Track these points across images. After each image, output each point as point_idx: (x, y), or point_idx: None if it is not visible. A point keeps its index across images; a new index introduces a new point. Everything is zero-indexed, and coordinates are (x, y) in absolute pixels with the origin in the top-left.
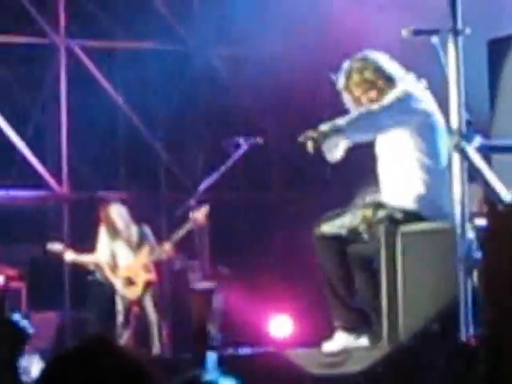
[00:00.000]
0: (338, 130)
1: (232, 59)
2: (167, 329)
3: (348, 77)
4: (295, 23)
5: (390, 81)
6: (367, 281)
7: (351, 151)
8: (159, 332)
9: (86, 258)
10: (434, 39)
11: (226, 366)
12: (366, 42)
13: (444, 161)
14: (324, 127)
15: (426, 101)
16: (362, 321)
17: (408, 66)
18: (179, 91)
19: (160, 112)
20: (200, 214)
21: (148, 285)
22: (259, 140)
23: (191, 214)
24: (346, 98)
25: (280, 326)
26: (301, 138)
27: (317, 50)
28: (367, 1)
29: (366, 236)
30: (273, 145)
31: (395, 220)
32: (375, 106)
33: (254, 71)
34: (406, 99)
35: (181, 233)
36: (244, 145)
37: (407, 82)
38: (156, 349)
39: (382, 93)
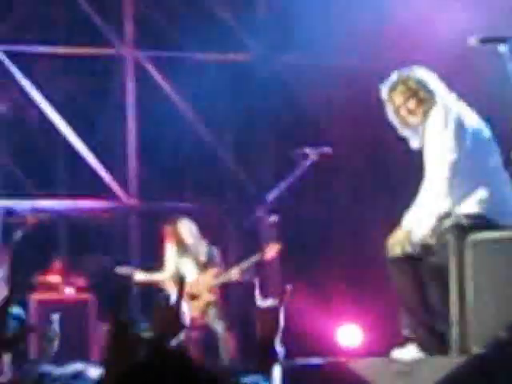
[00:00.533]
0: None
1: (298, 67)
2: (234, 342)
3: (392, 87)
4: (361, 29)
5: (430, 94)
6: (438, 290)
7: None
8: (226, 346)
9: (154, 277)
10: (502, 48)
11: (294, 378)
12: (434, 49)
13: (497, 161)
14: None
15: (469, 115)
16: (434, 335)
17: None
18: (246, 101)
19: (227, 122)
20: (271, 251)
21: (208, 305)
22: (327, 150)
23: (263, 249)
24: (388, 109)
25: (348, 335)
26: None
27: (384, 58)
28: (437, 6)
29: (435, 247)
30: (340, 155)
31: (463, 227)
32: (441, 166)
33: (320, 79)
34: (457, 129)
35: (249, 263)
36: (312, 155)
37: (447, 101)
38: (223, 362)
39: (420, 104)
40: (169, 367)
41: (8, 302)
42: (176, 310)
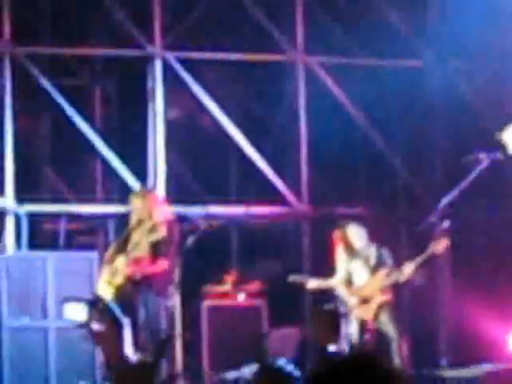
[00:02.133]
0: None
1: (470, 74)
2: (407, 345)
3: None
4: None
5: None
6: None
7: None
8: (399, 347)
9: (326, 284)
10: None
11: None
12: None
13: None
14: None
15: None
16: None
17: None
18: (417, 106)
19: (398, 127)
20: (440, 246)
21: (382, 306)
22: (500, 155)
23: (431, 245)
24: None
25: None
26: None
27: None
28: None
29: None
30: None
31: None
32: None
33: (493, 85)
34: None
35: (420, 259)
36: (485, 160)
37: None
38: (397, 365)
39: None
40: (365, 368)
41: (166, 341)
42: (335, 316)
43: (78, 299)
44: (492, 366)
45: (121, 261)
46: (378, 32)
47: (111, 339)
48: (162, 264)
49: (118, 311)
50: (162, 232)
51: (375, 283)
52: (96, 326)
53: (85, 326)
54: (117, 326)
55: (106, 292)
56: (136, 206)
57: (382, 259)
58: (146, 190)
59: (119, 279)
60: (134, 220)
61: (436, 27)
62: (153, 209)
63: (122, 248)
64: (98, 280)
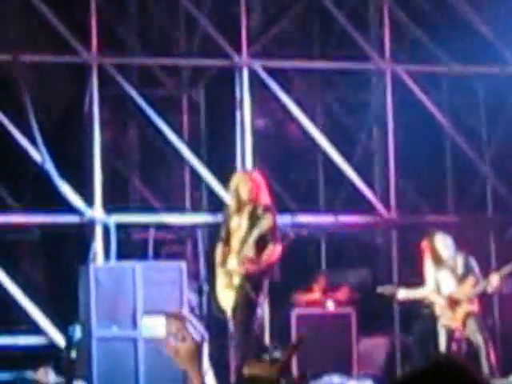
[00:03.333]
0: None
1: None
2: (496, 354)
3: None
4: None
5: None
6: None
7: None
8: (487, 356)
9: (416, 294)
10: None
11: None
12: None
13: None
14: None
15: None
16: None
17: None
18: (506, 113)
19: (487, 135)
20: None
21: (468, 315)
22: None
23: None
24: None
25: None
26: None
27: None
28: None
29: None
30: None
31: None
32: None
33: None
34: None
35: (507, 269)
36: None
37: None
38: (485, 374)
39: None
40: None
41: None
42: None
43: (157, 312)
44: None
45: (233, 262)
46: (466, 39)
47: (190, 356)
48: (277, 249)
49: (198, 326)
50: (268, 219)
51: (463, 292)
52: (174, 342)
53: (163, 341)
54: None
55: (227, 296)
56: (237, 188)
57: (469, 268)
58: (249, 170)
59: (237, 280)
60: (232, 204)
61: None
62: (257, 192)
63: (227, 243)
64: (217, 286)
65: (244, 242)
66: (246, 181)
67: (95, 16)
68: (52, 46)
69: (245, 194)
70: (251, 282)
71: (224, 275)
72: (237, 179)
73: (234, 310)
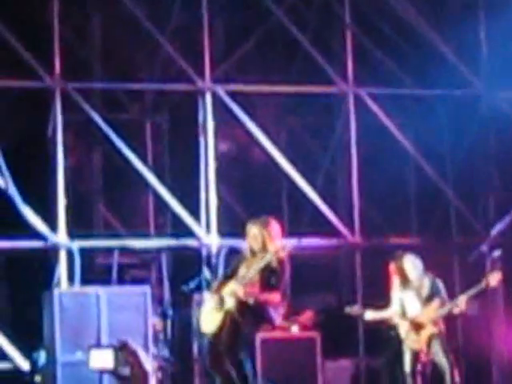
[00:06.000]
0: None
1: None
2: (460, 375)
3: None
4: None
5: None
6: None
7: None
8: (452, 377)
9: (383, 315)
10: None
11: None
12: None
13: None
14: None
15: None
16: None
17: None
18: (468, 136)
19: (450, 158)
20: (493, 280)
21: (432, 337)
22: None
23: (485, 278)
24: None
25: None
26: None
27: None
28: None
29: None
30: None
31: None
32: None
33: None
34: None
35: (473, 292)
36: None
37: None
38: None
39: None
40: None
41: None
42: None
43: (102, 346)
44: None
45: (232, 285)
46: (430, 63)
47: (140, 382)
48: (277, 296)
49: (143, 355)
50: (274, 264)
51: (427, 315)
52: (124, 371)
53: (113, 372)
54: (144, 369)
55: (212, 320)
56: (252, 235)
57: (435, 290)
58: (265, 218)
59: (230, 303)
60: (248, 251)
61: (488, 56)
62: (270, 240)
63: (229, 279)
64: (202, 311)
65: (246, 275)
66: (261, 228)
67: (58, 41)
68: (15, 71)
69: (257, 246)
70: (241, 309)
71: (214, 300)
72: (252, 226)
73: (220, 331)
